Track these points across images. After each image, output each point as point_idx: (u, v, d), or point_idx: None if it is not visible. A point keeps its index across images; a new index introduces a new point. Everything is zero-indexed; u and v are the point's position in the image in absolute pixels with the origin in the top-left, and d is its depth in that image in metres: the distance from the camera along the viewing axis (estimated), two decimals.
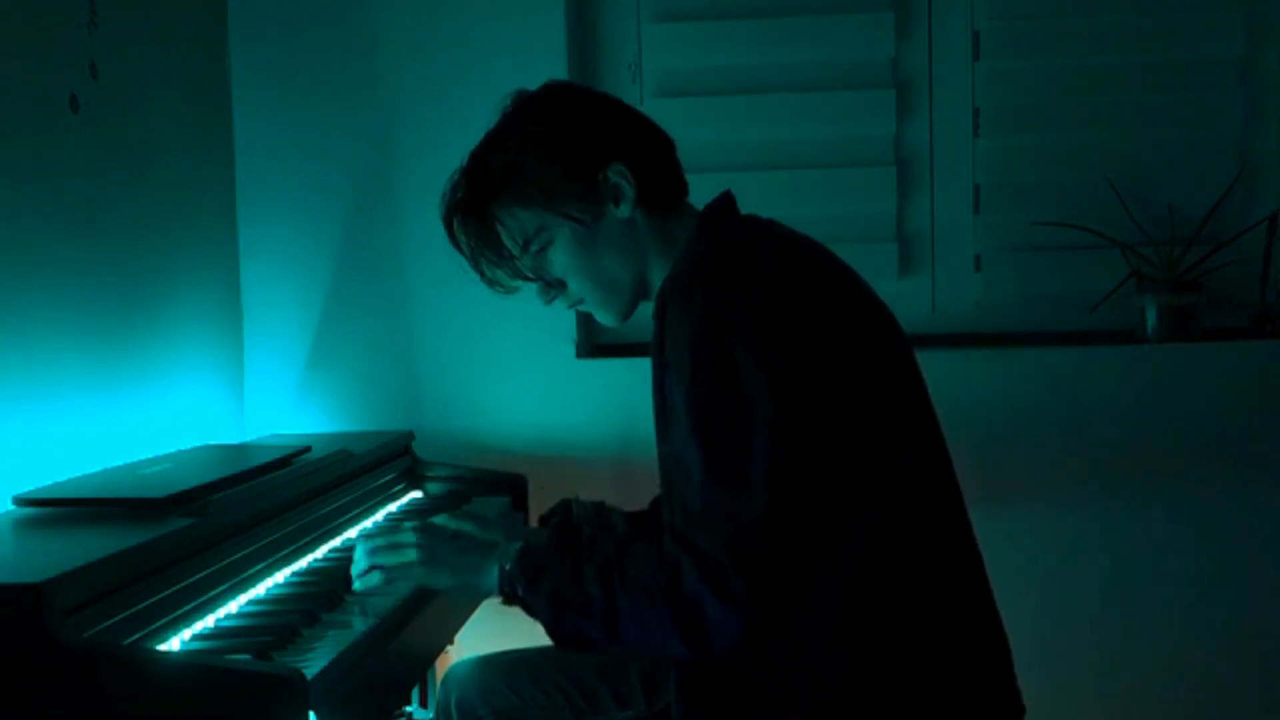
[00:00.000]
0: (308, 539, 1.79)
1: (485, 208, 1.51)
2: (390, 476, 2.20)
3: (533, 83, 2.47)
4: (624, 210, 1.49)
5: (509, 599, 1.43)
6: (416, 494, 2.25)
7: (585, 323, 2.53)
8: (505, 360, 2.47)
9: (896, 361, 1.45)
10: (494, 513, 1.92)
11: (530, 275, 1.53)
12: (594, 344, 2.56)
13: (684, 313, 1.36)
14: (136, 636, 1.31)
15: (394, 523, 2.01)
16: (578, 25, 2.52)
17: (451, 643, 2.00)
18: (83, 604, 1.24)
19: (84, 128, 1.93)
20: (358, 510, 2.01)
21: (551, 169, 1.48)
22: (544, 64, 2.43)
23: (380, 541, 1.51)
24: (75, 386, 1.89)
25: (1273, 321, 2.38)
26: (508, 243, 1.51)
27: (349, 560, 1.73)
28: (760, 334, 1.32)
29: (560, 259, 1.51)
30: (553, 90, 1.55)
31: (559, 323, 2.46)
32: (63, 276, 1.89)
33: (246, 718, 1.17)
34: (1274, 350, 2.34)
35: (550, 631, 1.40)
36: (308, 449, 1.97)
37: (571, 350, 2.46)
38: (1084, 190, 2.45)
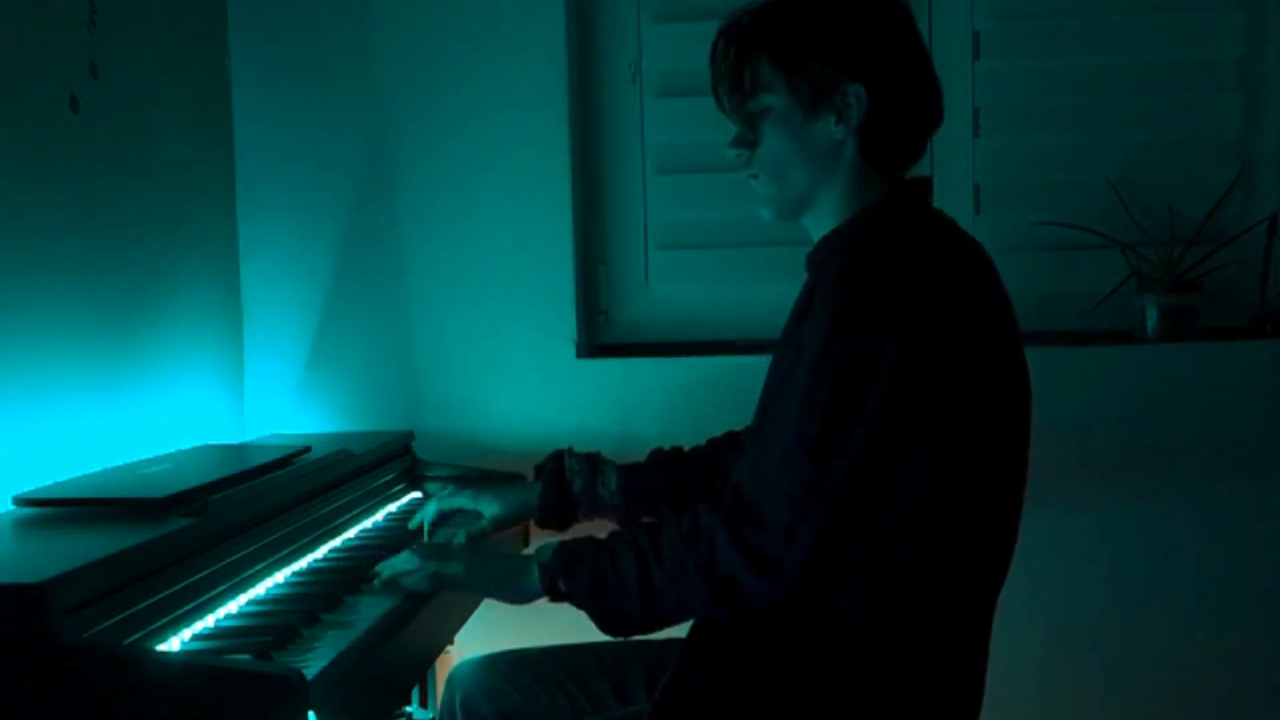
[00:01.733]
0: (308, 539, 1.79)
1: (750, 45, 1.50)
2: (390, 476, 2.20)
3: (532, 81, 2.48)
4: (838, 132, 1.48)
5: (553, 594, 1.49)
6: (416, 494, 2.25)
7: (585, 323, 2.53)
8: (505, 360, 2.47)
9: (996, 387, 1.44)
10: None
11: (740, 120, 1.54)
12: (594, 344, 2.56)
13: (832, 283, 1.37)
14: (136, 636, 1.31)
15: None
16: (578, 25, 2.52)
17: (451, 643, 2.00)
18: (83, 604, 1.24)
19: (84, 128, 1.93)
20: (358, 510, 2.01)
21: (815, 48, 1.47)
22: (544, 64, 2.44)
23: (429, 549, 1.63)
24: (75, 386, 1.89)
25: (1273, 321, 2.38)
26: (746, 82, 1.51)
27: (349, 561, 1.73)
28: (898, 333, 1.33)
29: (767, 127, 1.51)
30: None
31: (559, 323, 2.46)
32: (63, 276, 1.88)
33: (246, 718, 1.16)
34: (1274, 350, 2.34)
35: (594, 617, 1.46)
36: (308, 449, 1.97)
37: (571, 350, 2.46)
38: (1084, 190, 2.45)
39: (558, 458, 1.89)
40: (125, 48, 2.03)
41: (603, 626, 1.46)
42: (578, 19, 2.52)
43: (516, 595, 1.53)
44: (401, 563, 1.58)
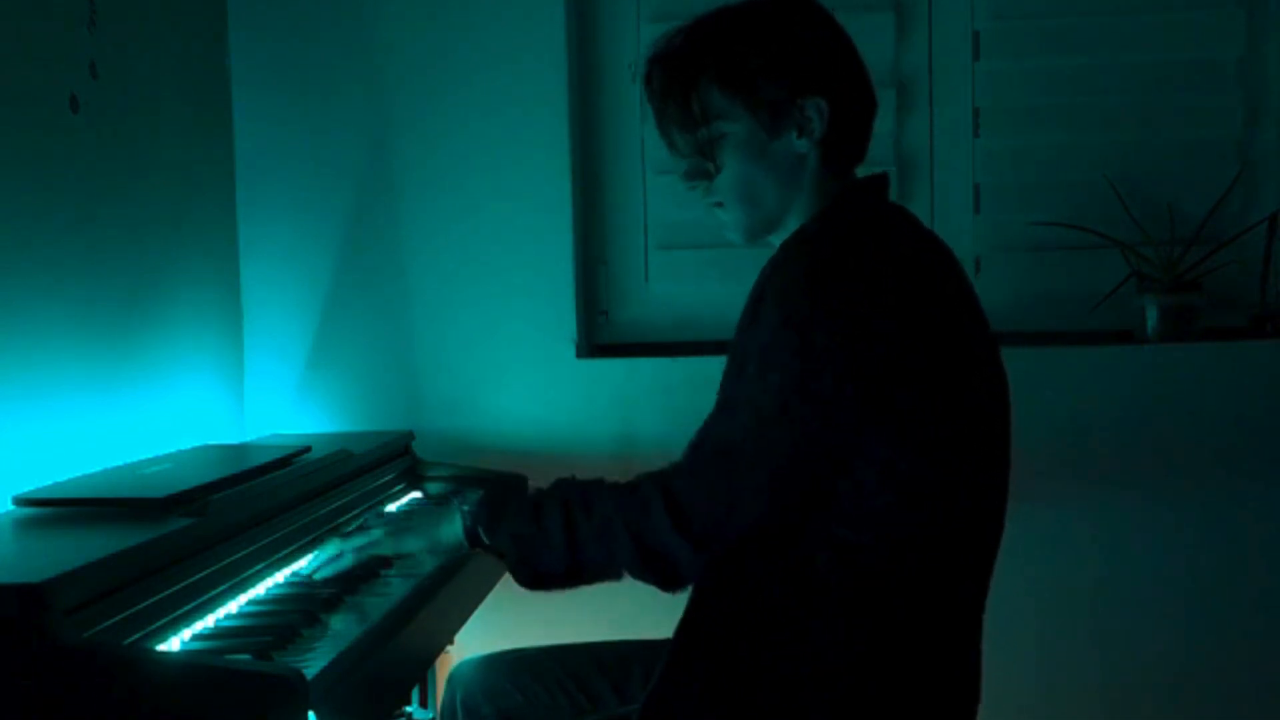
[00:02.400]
0: (308, 539, 1.78)
1: (692, 72, 1.48)
2: (390, 476, 2.20)
3: (532, 81, 2.49)
4: (802, 145, 1.47)
5: (474, 542, 1.52)
6: (416, 494, 2.25)
7: (585, 323, 2.53)
8: (505, 360, 2.47)
9: (974, 383, 1.43)
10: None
11: (693, 151, 1.51)
12: (594, 344, 2.56)
13: (792, 279, 1.37)
14: (136, 636, 1.31)
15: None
16: (578, 25, 2.52)
17: (451, 643, 2.00)
18: (83, 604, 1.24)
19: (84, 128, 1.93)
20: (358, 510, 2.00)
21: (766, 72, 1.46)
22: (544, 64, 2.44)
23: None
24: (75, 386, 1.89)
25: (1273, 321, 2.38)
26: (695, 111, 1.48)
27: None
28: (851, 326, 1.32)
29: (726, 154, 1.49)
30: (801, 4, 1.52)
31: (559, 323, 2.46)
32: (63, 276, 1.88)
33: (246, 718, 1.16)
34: (1274, 350, 2.34)
35: (513, 569, 1.47)
36: (308, 449, 1.97)
37: (571, 350, 2.46)
38: (1084, 190, 2.45)
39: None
40: (125, 48, 2.03)
41: (522, 578, 1.47)
42: (578, 19, 2.52)
43: (435, 545, 1.57)
44: (328, 554, 1.64)
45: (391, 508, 2.12)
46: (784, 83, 1.46)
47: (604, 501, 1.42)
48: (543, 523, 1.43)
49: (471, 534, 1.53)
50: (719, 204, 1.53)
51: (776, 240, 1.53)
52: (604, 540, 1.40)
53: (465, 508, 1.52)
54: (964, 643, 1.46)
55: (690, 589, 1.45)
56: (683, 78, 1.48)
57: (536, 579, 1.46)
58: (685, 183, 1.54)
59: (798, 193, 1.50)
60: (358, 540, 1.64)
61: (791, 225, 1.51)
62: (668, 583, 1.41)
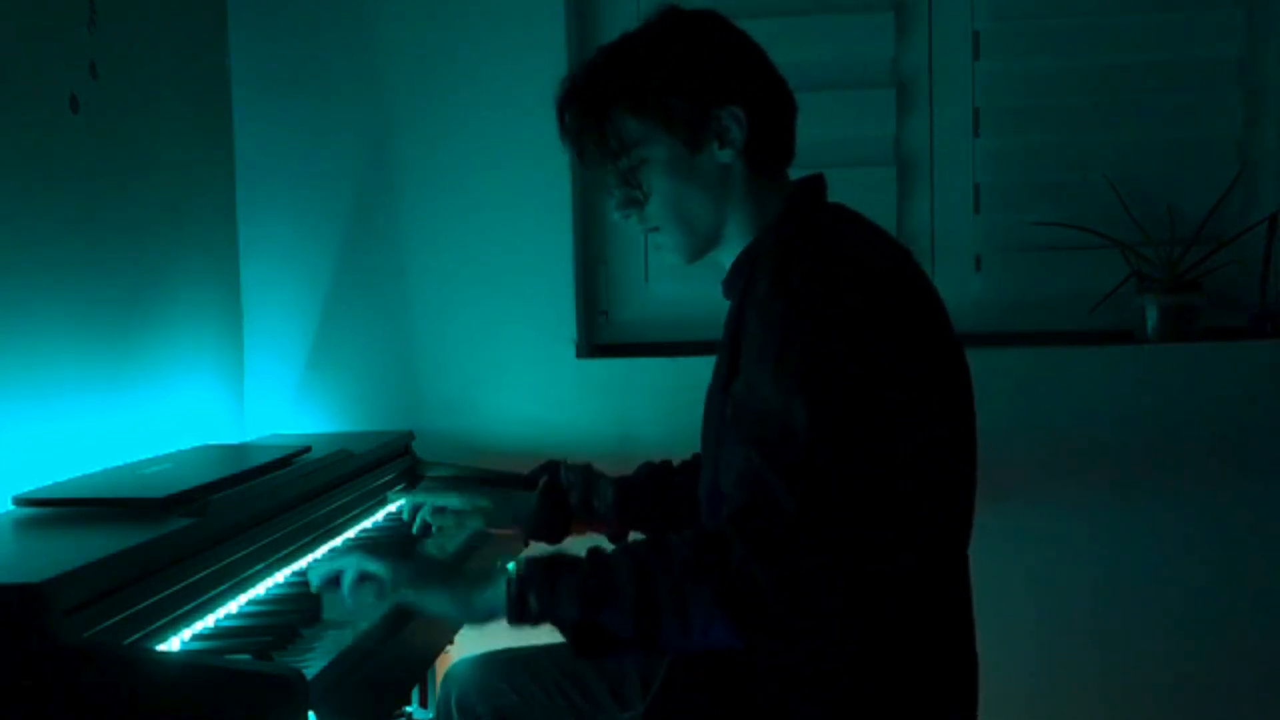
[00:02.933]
0: (308, 539, 1.79)
1: (603, 104, 1.49)
2: (390, 476, 2.20)
3: (532, 81, 2.48)
4: (726, 155, 1.47)
5: (520, 613, 1.31)
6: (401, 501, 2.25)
7: (585, 323, 2.53)
8: (505, 360, 2.47)
9: (947, 374, 1.44)
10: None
11: (619, 182, 1.52)
12: (594, 344, 2.56)
13: (776, 287, 1.34)
14: (136, 636, 1.31)
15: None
16: (578, 25, 2.52)
17: (451, 642, 2.00)
18: (83, 604, 1.24)
19: (84, 128, 1.93)
20: (358, 510, 2.01)
21: (673, 89, 1.46)
22: (544, 64, 2.43)
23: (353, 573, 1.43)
24: (75, 386, 1.89)
25: (1273, 321, 2.38)
26: (612, 143, 1.49)
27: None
28: (851, 323, 1.32)
29: (651, 179, 1.49)
30: (701, 17, 1.52)
31: (559, 323, 2.46)
32: (63, 276, 1.88)
33: (246, 718, 1.16)
34: (1274, 350, 2.34)
35: (576, 636, 1.31)
36: (308, 449, 1.97)
37: (571, 350, 2.46)
38: (1084, 190, 2.45)
39: (553, 468, 1.86)
40: (125, 48, 2.03)
41: (583, 647, 1.31)
42: (578, 19, 2.52)
43: (466, 612, 1.37)
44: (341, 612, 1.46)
45: (392, 508, 2.12)
46: (695, 96, 1.46)
47: (676, 548, 1.28)
48: (613, 580, 1.27)
49: (517, 603, 1.31)
50: (655, 229, 1.54)
51: (724, 258, 1.54)
52: (682, 592, 1.25)
53: (509, 566, 1.32)
54: (959, 639, 1.46)
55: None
56: (594, 113, 1.49)
57: (603, 646, 1.31)
58: (619, 214, 1.54)
59: (730, 204, 1.50)
60: (368, 595, 1.42)
61: (733, 238, 1.52)
62: (748, 612, 1.26)
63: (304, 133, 2.49)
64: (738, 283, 1.50)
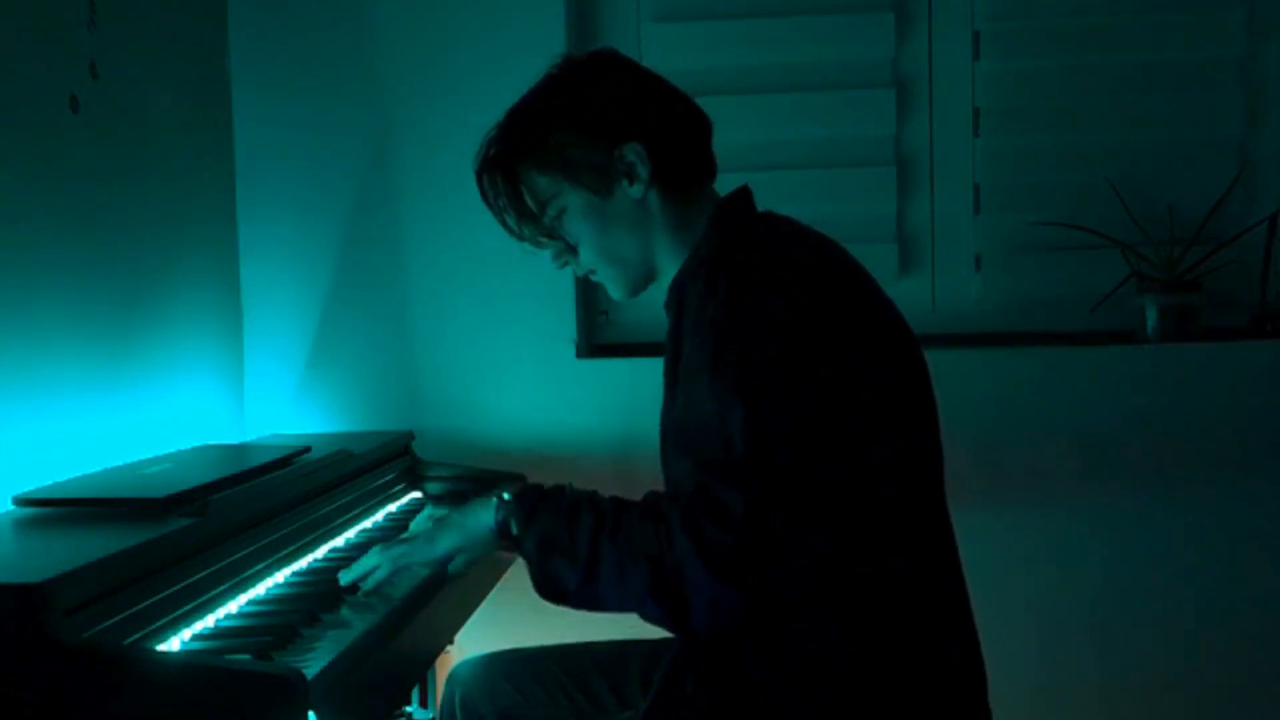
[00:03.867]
0: (308, 539, 1.79)
1: (509, 166, 1.53)
2: (390, 476, 2.20)
3: (532, 81, 2.48)
4: (636, 190, 1.50)
5: (503, 536, 1.44)
6: (416, 494, 2.25)
7: (585, 323, 2.53)
8: (505, 360, 2.47)
9: (907, 366, 1.45)
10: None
11: (548, 237, 1.56)
12: (594, 344, 2.56)
13: (707, 300, 1.37)
14: (136, 636, 1.31)
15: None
16: (578, 25, 2.52)
17: (451, 643, 2.00)
18: (83, 604, 1.24)
19: (84, 128, 1.93)
20: (358, 510, 2.01)
21: (571, 139, 1.49)
22: (544, 64, 2.43)
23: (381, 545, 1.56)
24: (75, 386, 1.89)
25: (1273, 321, 2.38)
26: (529, 202, 1.53)
27: (349, 561, 1.73)
28: (787, 322, 1.33)
29: (573, 227, 1.53)
30: (592, 60, 1.56)
31: (559, 323, 2.46)
32: (63, 276, 1.88)
33: (246, 718, 1.16)
34: (1274, 350, 2.34)
35: (532, 573, 1.40)
36: (308, 449, 1.97)
37: (571, 350, 2.46)
38: (1084, 190, 2.45)
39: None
40: (125, 48, 2.03)
41: (538, 585, 1.40)
42: (578, 19, 2.52)
43: (468, 538, 1.48)
44: (369, 563, 1.55)
45: (392, 508, 2.12)
46: (593, 142, 1.49)
47: (630, 523, 1.34)
48: (574, 534, 1.36)
49: (503, 525, 1.44)
50: (592, 271, 1.57)
51: (662, 280, 1.55)
52: (622, 564, 1.32)
53: (505, 496, 1.44)
54: (956, 636, 1.45)
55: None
56: (505, 175, 1.53)
57: (554, 590, 1.39)
58: (556, 264, 1.58)
59: (655, 234, 1.52)
60: (396, 549, 1.54)
61: (663, 264, 1.54)
62: (677, 610, 1.32)
63: (304, 132, 2.49)
64: (673, 303, 1.51)
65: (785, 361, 1.31)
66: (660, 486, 1.84)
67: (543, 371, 2.46)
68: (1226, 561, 2.35)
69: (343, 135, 2.50)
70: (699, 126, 1.56)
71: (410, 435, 2.35)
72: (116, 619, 1.28)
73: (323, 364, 2.52)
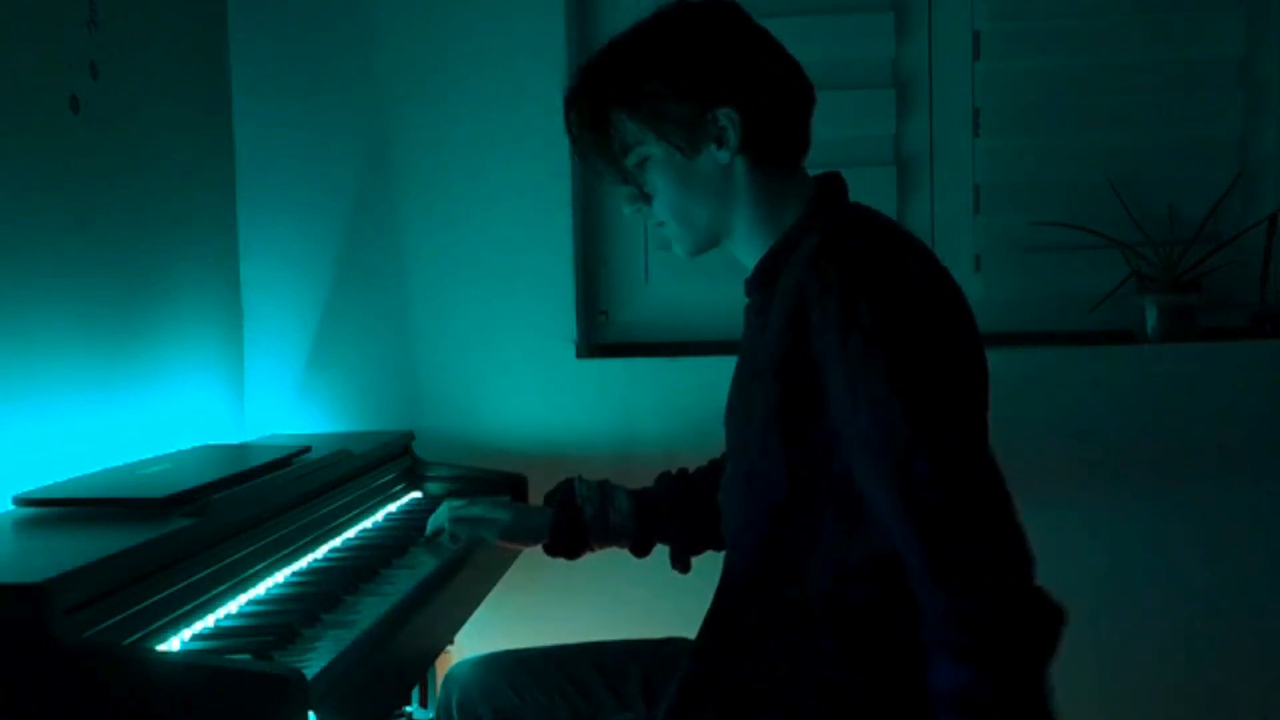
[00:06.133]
0: (308, 539, 1.79)
1: (599, 105, 1.49)
2: (390, 476, 2.20)
3: (533, 80, 2.49)
4: (723, 156, 1.46)
5: None
6: (416, 494, 2.25)
7: (585, 323, 2.53)
8: (505, 360, 2.47)
9: (986, 378, 1.46)
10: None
11: (623, 181, 1.53)
12: (594, 344, 2.56)
13: (826, 296, 1.32)
14: (136, 636, 1.31)
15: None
16: (578, 25, 2.52)
17: (451, 643, 2.00)
18: (83, 604, 1.24)
19: (84, 128, 1.93)
20: (358, 510, 2.01)
21: (666, 92, 1.45)
22: (544, 64, 2.44)
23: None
24: (75, 386, 1.89)
25: (1273, 321, 2.38)
26: (614, 144, 1.49)
27: (349, 560, 1.74)
28: (938, 323, 1.34)
29: (653, 179, 1.50)
30: (707, 12, 1.50)
31: (559, 323, 2.46)
32: (63, 277, 1.88)
33: (246, 718, 1.16)
34: (1274, 350, 2.34)
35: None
36: (308, 449, 1.97)
37: (571, 350, 2.47)
38: (1084, 190, 2.45)
39: (568, 485, 1.83)
40: (125, 48, 2.03)
41: None
42: (578, 19, 2.52)
43: None
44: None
45: (392, 508, 2.12)
46: (689, 100, 1.45)
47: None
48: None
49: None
50: (661, 223, 1.54)
51: (739, 252, 1.53)
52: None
53: None
54: None
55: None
56: (595, 112, 1.49)
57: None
58: (628, 209, 1.55)
59: (733, 202, 1.49)
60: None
61: (738, 234, 1.51)
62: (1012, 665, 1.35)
63: (304, 133, 2.49)
64: (764, 282, 1.48)
65: (949, 383, 1.31)
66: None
67: (543, 371, 2.46)
68: (1226, 561, 2.35)
69: (343, 135, 2.50)
70: (801, 99, 1.52)
71: (410, 435, 2.35)
72: (116, 619, 1.28)
73: (323, 364, 2.52)
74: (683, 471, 1.84)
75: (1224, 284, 2.40)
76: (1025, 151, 2.49)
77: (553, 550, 1.80)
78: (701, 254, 1.56)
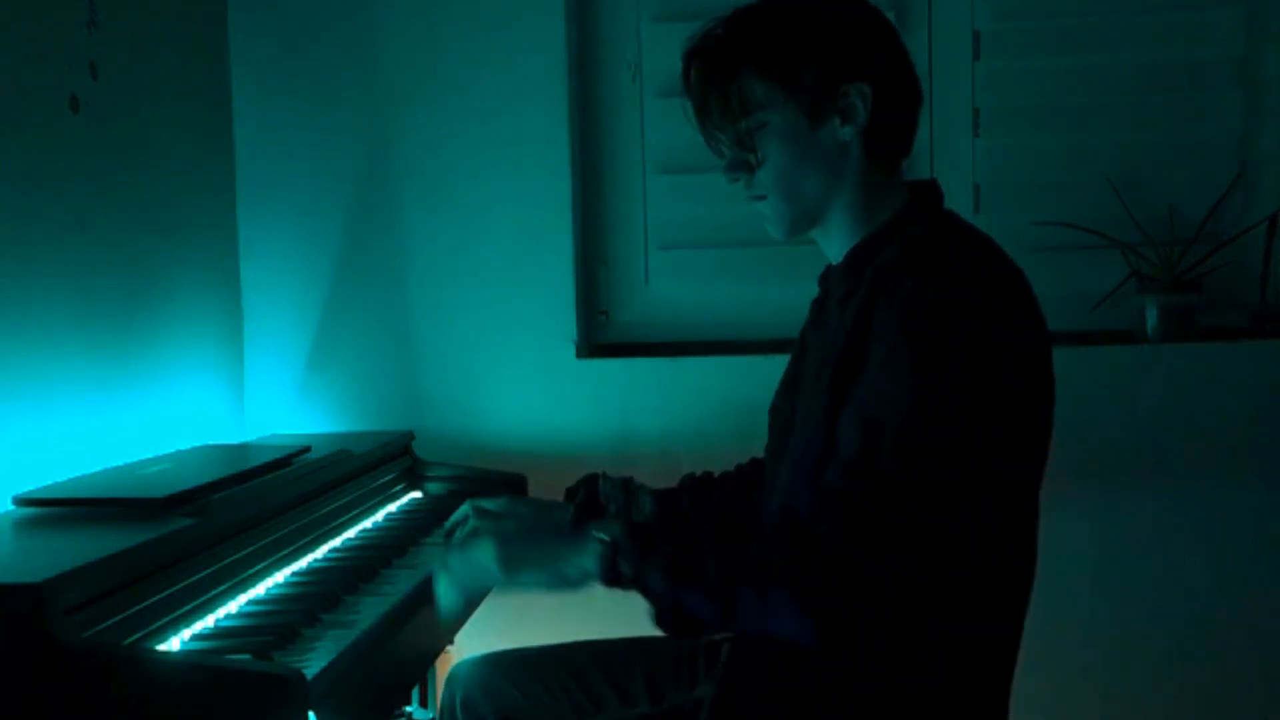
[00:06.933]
0: (308, 539, 1.79)
1: (731, 61, 1.45)
2: (390, 476, 2.20)
3: (533, 81, 2.49)
4: (846, 132, 1.43)
5: (613, 578, 1.31)
6: (416, 494, 2.25)
7: (585, 323, 2.53)
8: (505, 360, 2.47)
9: (1049, 410, 1.46)
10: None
11: (733, 144, 1.48)
12: (594, 344, 2.56)
13: (921, 289, 1.31)
14: (136, 636, 1.31)
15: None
16: (578, 25, 2.52)
17: (451, 642, 2.00)
18: (83, 604, 1.24)
19: (84, 128, 1.93)
20: (358, 510, 2.01)
21: (808, 57, 1.42)
22: (544, 64, 2.44)
23: (454, 553, 1.43)
24: (75, 386, 1.89)
25: (1273, 321, 2.38)
26: (734, 103, 1.45)
27: (349, 560, 1.73)
28: (988, 336, 1.32)
29: (768, 145, 1.45)
30: None
31: (559, 323, 2.46)
32: (63, 277, 1.89)
33: (246, 718, 1.16)
34: (1274, 350, 2.34)
35: (660, 610, 1.30)
36: (308, 449, 1.97)
37: (571, 350, 2.46)
38: (1084, 190, 2.45)
39: (591, 481, 1.80)
40: (125, 48, 2.03)
41: (665, 621, 1.30)
42: (578, 19, 2.52)
43: (558, 579, 1.35)
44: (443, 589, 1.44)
45: (392, 508, 2.12)
46: (826, 68, 1.42)
47: (765, 544, 1.29)
48: (699, 558, 1.28)
49: (610, 566, 1.31)
50: (761, 197, 1.49)
51: (821, 237, 1.51)
52: (761, 586, 1.25)
53: (601, 535, 1.33)
54: (1010, 641, 1.45)
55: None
56: (723, 69, 1.45)
57: (682, 623, 1.30)
58: (727, 176, 1.50)
59: (841, 184, 1.46)
60: (460, 564, 1.42)
61: (834, 219, 1.48)
62: (832, 623, 1.25)
63: (304, 133, 2.49)
64: (853, 272, 1.46)
65: (974, 380, 1.29)
66: (658, 484, 1.85)
67: (543, 371, 2.46)
68: (1226, 561, 2.35)
69: (343, 134, 2.50)
70: (916, 96, 1.51)
71: (410, 435, 2.35)
72: (116, 619, 1.28)
73: (323, 364, 2.52)
74: (708, 474, 1.82)
75: (1224, 284, 2.40)
76: (1025, 151, 2.49)
77: None
78: (796, 234, 1.51)
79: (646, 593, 1.30)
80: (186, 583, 1.44)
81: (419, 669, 2.01)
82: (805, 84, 1.42)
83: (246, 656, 1.31)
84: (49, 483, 1.67)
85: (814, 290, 1.61)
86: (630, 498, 1.78)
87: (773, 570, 1.25)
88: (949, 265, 1.36)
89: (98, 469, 1.82)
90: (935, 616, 1.31)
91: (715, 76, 1.46)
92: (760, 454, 1.67)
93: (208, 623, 1.44)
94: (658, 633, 1.47)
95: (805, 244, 1.56)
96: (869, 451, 1.27)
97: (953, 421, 1.27)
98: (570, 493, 1.81)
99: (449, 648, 2.08)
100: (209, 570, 1.50)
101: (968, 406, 1.29)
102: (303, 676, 1.19)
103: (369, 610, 1.53)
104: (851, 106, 1.43)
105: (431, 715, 2.21)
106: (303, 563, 1.73)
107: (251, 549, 1.62)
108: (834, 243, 1.50)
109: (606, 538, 1.32)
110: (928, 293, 1.30)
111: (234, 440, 2.40)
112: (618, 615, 1.91)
